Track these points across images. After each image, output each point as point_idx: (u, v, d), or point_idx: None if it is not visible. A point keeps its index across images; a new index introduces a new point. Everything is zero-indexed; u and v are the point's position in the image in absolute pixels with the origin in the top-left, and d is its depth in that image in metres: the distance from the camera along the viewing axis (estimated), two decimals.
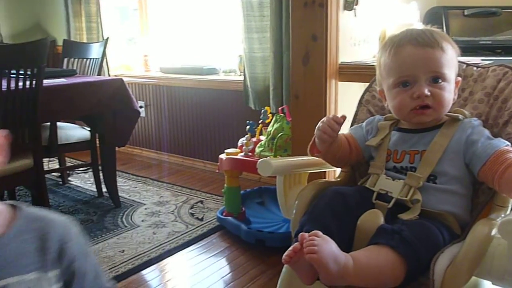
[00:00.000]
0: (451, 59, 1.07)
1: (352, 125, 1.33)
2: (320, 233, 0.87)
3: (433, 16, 2.05)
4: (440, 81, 1.05)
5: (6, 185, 2.24)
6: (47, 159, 2.88)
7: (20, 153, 2.05)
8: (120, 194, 2.62)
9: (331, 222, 0.99)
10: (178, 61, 3.51)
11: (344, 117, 1.10)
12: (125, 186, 2.92)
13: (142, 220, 2.37)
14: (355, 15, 1.81)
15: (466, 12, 2.02)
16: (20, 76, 1.96)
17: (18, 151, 2.02)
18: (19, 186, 2.65)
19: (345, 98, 1.76)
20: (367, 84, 1.35)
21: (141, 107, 3.50)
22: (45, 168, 2.32)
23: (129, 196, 2.74)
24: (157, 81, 3.43)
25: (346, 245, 0.98)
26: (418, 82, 1.05)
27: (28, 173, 2.08)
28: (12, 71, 1.94)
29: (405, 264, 0.89)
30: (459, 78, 1.13)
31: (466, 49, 1.97)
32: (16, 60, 1.95)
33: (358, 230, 1.01)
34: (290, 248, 0.88)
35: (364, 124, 1.23)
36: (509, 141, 1.05)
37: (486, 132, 1.06)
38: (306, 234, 0.86)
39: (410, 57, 1.05)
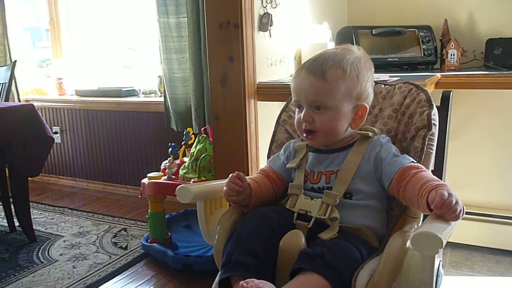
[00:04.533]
0: (333, 88, 1.06)
1: (271, 145, 1.33)
2: (256, 281, 0.86)
3: (344, 36, 2.15)
4: (321, 108, 1.08)
5: None
6: None
7: None
8: (35, 227, 2.44)
9: (259, 247, 0.98)
10: (95, 84, 3.38)
11: (239, 174, 1.11)
12: (41, 218, 2.73)
13: (61, 254, 2.22)
14: (270, 36, 1.85)
15: (374, 32, 2.14)
16: None
17: None
18: None
19: (265, 118, 1.78)
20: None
21: (55, 133, 3.32)
22: None
23: (45, 229, 2.56)
24: (73, 105, 3.27)
25: (272, 268, 0.99)
26: (304, 107, 1.10)
27: None
28: None
29: (330, 285, 0.90)
30: (364, 104, 1.11)
31: (376, 66, 2.09)
32: None
33: (280, 251, 1.00)
34: None
35: (281, 151, 1.25)
36: (416, 155, 1.11)
37: (393, 149, 1.10)
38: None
39: (299, 83, 1.11)
